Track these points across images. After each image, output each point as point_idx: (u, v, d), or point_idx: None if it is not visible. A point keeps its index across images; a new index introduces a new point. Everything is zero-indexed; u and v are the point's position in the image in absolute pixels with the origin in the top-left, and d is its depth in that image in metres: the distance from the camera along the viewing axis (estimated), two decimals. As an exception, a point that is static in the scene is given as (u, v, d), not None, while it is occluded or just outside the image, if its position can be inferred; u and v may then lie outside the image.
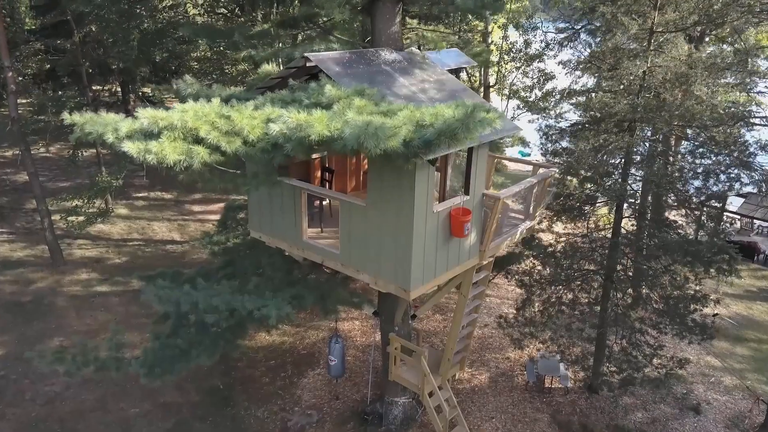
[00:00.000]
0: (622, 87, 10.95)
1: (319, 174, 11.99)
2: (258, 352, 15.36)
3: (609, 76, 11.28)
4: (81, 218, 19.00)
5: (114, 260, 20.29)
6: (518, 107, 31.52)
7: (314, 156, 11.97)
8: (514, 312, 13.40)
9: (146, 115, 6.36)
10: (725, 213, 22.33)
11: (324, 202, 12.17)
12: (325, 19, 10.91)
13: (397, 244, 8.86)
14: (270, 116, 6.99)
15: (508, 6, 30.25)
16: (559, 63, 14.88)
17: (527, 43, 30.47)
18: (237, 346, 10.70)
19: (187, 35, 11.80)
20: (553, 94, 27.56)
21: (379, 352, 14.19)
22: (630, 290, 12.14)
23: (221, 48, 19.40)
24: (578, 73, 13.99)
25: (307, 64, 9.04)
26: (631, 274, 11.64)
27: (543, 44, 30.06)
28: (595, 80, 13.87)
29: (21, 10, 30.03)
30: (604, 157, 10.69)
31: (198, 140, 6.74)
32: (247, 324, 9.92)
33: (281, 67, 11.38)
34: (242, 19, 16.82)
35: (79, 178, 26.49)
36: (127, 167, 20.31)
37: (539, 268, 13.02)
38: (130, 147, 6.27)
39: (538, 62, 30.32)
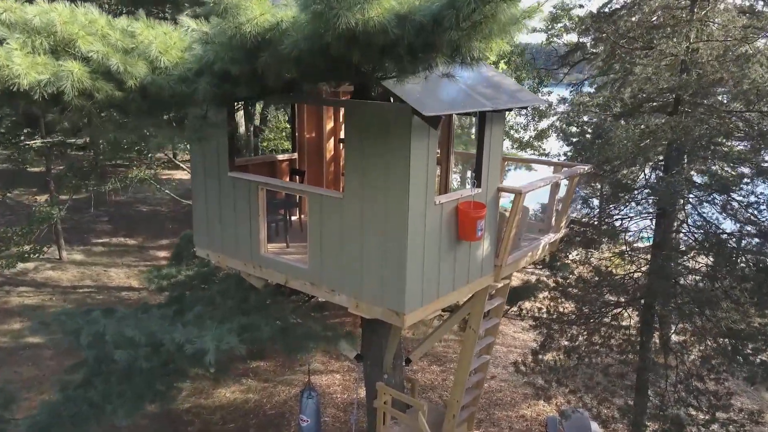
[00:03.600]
0: (664, 64, 8.83)
1: (287, 179, 9.61)
2: (215, 413, 12.45)
3: (643, 54, 9.17)
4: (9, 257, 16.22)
5: (56, 308, 17.44)
6: (511, 147, 29.85)
7: (281, 157, 9.65)
8: (531, 357, 10.74)
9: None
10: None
11: (293, 217, 9.77)
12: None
13: (387, 249, 6.39)
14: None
15: (495, 45, 29.01)
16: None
17: (519, 80, 28.96)
18: (171, 399, 7.96)
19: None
20: (548, 132, 25.89)
21: (363, 410, 11.39)
22: (679, 323, 9.62)
23: None
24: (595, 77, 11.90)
25: None
26: (684, 299, 9.11)
27: (536, 81, 28.54)
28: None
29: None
30: (650, 150, 8.41)
31: (79, 59, 4.36)
32: (182, 365, 7.21)
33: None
34: None
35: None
36: (72, 195, 17.72)
37: (561, 300, 10.48)
38: (-49, 52, 3.87)
39: (531, 102, 28.84)
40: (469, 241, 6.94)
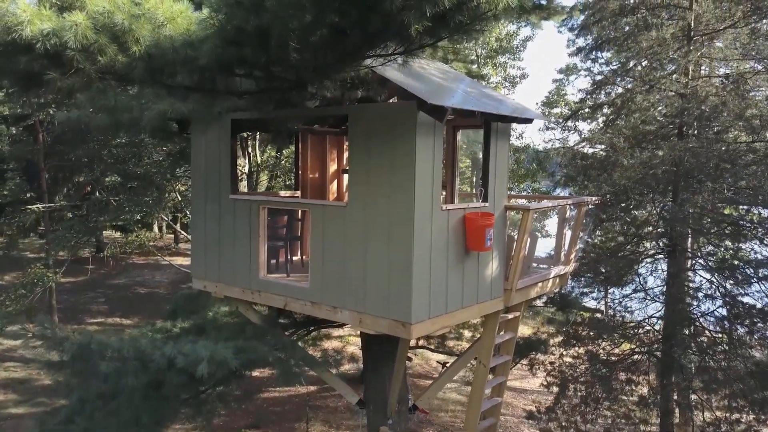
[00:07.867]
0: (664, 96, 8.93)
1: (285, 217, 9.43)
2: (205, 481, 11.53)
3: (644, 90, 9.29)
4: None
5: (43, 382, 16.67)
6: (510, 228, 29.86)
7: (283, 193, 9.55)
8: (545, 408, 10.06)
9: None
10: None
11: (294, 257, 9.48)
12: None
13: (392, 255, 6.12)
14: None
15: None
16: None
17: (518, 162, 29.50)
18: (158, 436, 7.33)
19: None
20: (549, 214, 26.04)
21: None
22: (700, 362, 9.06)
23: None
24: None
25: None
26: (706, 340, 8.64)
27: (535, 163, 29.06)
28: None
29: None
30: (657, 167, 8.27)
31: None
32: (171, 386, 6.66)
33: None
34: None
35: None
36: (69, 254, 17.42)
37: (575, 346, 9.97)
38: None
39: (531, 182, 29.24)
40: (478, 251, 6.67)
